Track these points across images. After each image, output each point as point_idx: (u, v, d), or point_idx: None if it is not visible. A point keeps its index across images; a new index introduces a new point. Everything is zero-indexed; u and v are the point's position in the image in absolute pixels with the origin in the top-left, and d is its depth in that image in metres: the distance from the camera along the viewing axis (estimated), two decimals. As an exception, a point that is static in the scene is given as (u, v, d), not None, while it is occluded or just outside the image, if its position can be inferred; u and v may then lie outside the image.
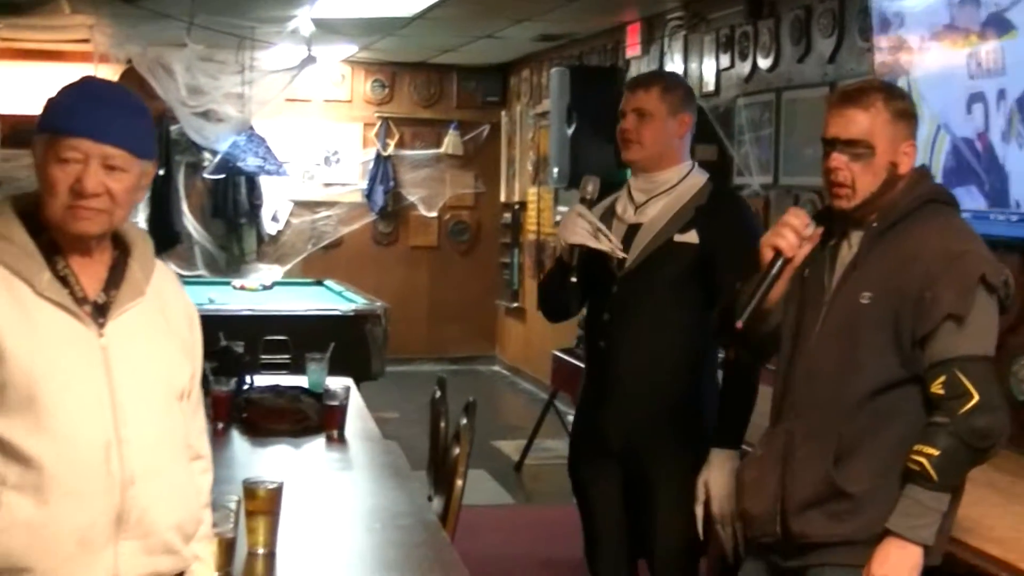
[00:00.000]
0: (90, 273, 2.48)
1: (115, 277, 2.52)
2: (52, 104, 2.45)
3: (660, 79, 4.21)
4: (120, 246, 2.56)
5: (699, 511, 3.87)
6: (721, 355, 4.06)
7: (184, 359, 2.61)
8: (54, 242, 2.45)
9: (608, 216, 4.07)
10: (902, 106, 3.15)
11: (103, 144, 2.40)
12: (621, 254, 3.96)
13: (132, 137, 2.45)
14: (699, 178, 4.04)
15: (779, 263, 3.14)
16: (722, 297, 3.49)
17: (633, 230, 4.00)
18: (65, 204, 2.39)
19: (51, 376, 2.36)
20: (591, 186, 4.01)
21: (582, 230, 3.94)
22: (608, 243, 3.95)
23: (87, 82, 2.60)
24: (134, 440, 2.43)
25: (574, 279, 3.98)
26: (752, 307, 3.14)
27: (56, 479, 2.34)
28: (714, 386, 4.01)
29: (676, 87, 4.09)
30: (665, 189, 4.00)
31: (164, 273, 2.67)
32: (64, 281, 2.44)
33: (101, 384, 2.42)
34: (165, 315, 2.59)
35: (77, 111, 2.41)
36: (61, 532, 2.35)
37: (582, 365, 5.84)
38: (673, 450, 3.95)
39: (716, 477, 3.82)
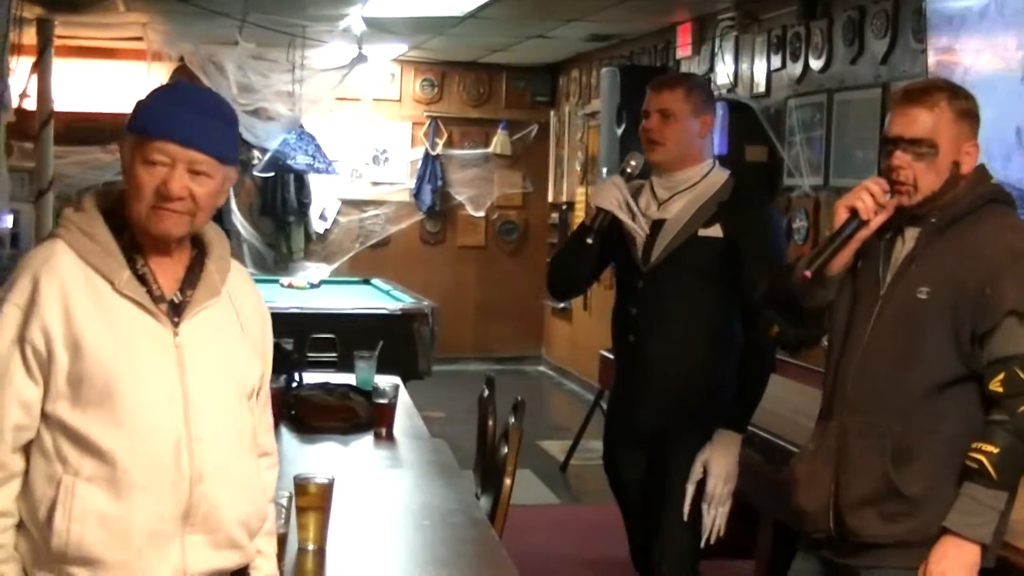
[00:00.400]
0: (168, 272, 2.52)
1: (192, 277, 2.55)
2: (142, 106, 2.47)
3: (684, 79, 4.28)
4: (198, 246, 2.59)
5: (690, 489, 3.97)
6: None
7: (255, 359, 2.64)
8: (135, 241, 2.49)
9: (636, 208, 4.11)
10: (966, 106, 3.13)
11: (190, 149, 2.42)
12: (641, 232, 4.03)
13: (219, 144, 2.48)
14: (720, 175, 4.10)
15: (853, 224, 3.12)
16: (756, 284, 3.53)
17: (657, 226, 4.06)
18: (149, 205, 2.42)
19: (127, 372, 2.40)
20: (634, 162, 4.07)
21: (613, 199, 4.01)
22: (632, 218, 4.02)
23: (179, 86, 2.66)
24: (204, 438, 2.47)
25: (590, 241, 4.02)
26: (823, 259, 3.14)
27: (129, 473, 2.39)
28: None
29: (699, 88, 4.16)
30: (688, 186, 4.07)
31: (239, 274, 2.69)
32: (142, 280, 2.47)
33: (174, 382, 2.46)
34: (239, 315, 2.62)
35: (167, 115, 2.43)
36: (132, 525, 2.39)
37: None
38: (694, 439, 4.01)
39: (718, 457, 3.93)
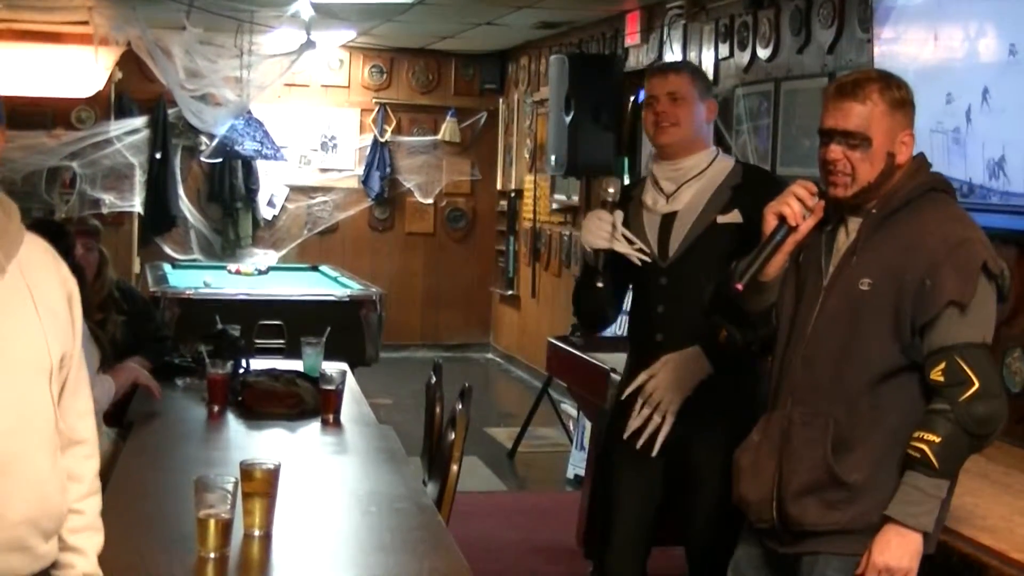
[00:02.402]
0: None
1: None
2: None
3: (686, 64, 4.23)
4: None
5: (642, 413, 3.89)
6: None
7: (55, 337, 2.43)
8: None
9: (637, 209, 4.00)
10: (899, 95, 3.15)
11: None
12: (640, 257, 3.91)
13: None
14: (727, 162, 4.01)
15: (782, 231, 3.15)
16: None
17: (668, 219, 3.93)
18: None
19: None
20: (612, 188, 3.92)
21: (603, 233, 3.89)
22: (627, 245, 3.90)
23: None
24: None
25: (600, 284, 3.92)
26: (754, 270, 3.15)
27: None
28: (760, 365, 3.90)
29: (700, 73, 4.10)
30: (695, 175, 3.95)
31: (35, 247, 2.48)
32: None
33: None
34: (32, 291, 2.41)
35: None
36: None
37: (577, 353, 5.88)
38: (721, 434, 3.78)
39: (673, 367, 3.85)
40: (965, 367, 2.97)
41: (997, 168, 4.80)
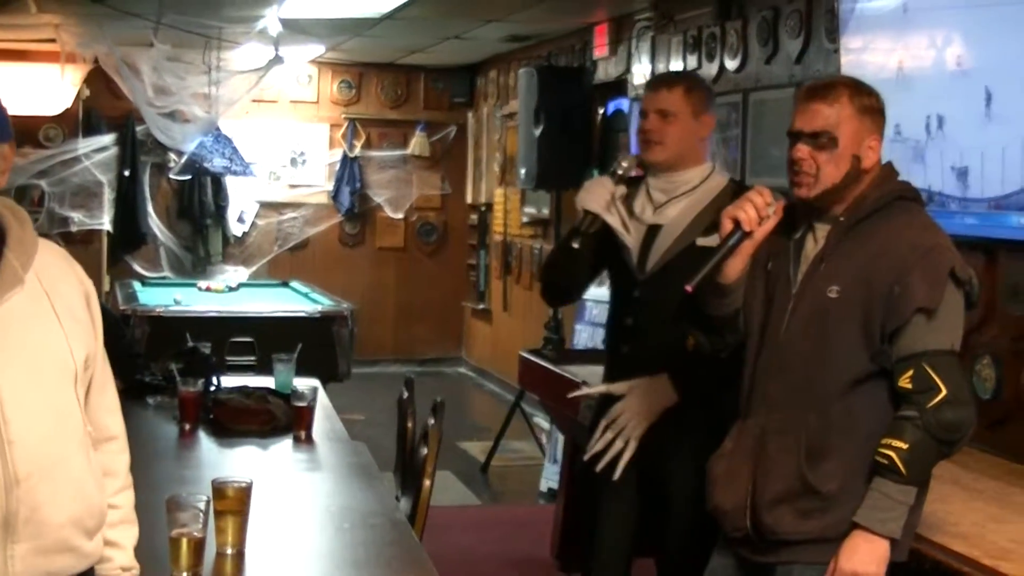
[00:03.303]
0: None
1: None
2: None
3: (684, 78, 4.17)
4: None
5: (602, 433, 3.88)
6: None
7: (78, 340, 2.47)
8: None
9: (627, 212, 3.95)
10: (868, 102, 3.18)
11: None
12: (628, 237, 3.89)
13: None
14: (721, 179, 3.95)
15: (737, 235, 3.16)
16: None
17: (653, 231, 3.90)
18: None
19: None
20: (626, 163, 3.88)
21: (601, 199, 3.85)
22: (618, 221, 3.86)
23: None
24: (19, 440, 2.31)
25: (575, 245, 3.87)
26: (705, 272, 3.16)
27: None
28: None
29: (700, 86, 4.01)
30: (686, 190, 3.90)
31: (50, 253, 2.52)
32: None
33: None
34: (51, 298, 2.44)
35: None
36: None
37: (549, 366, 5.88)
38: (690, 448, 3.79)
39: (641, 394, 3.83)
40: (933, 374, 2.99)
41: (960, 175, 4.83)
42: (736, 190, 3.87)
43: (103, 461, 2.56)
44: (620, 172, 3.88)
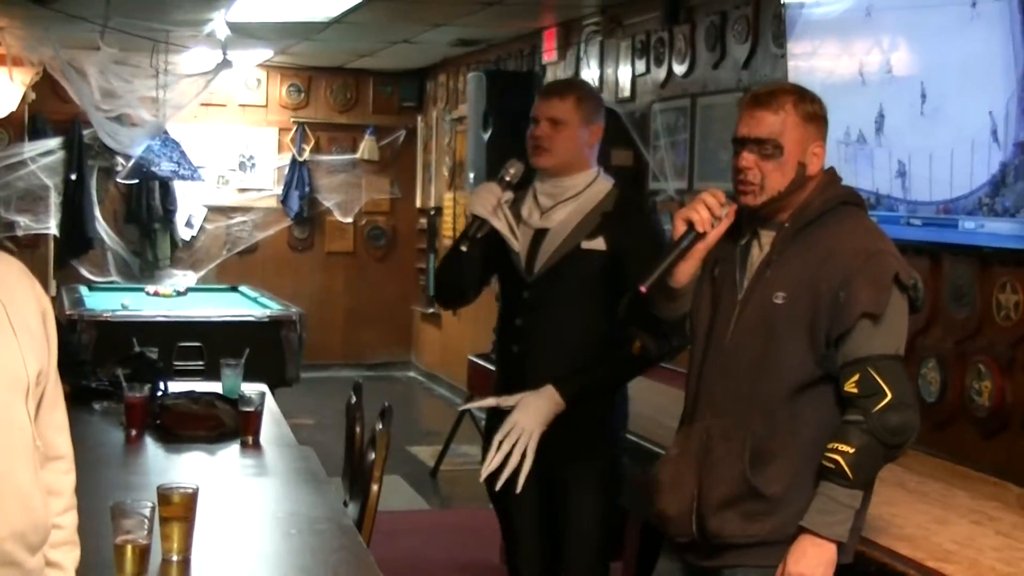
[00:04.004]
0: None
1: None
2: None
3: (575, 88, 4.21)
4: None
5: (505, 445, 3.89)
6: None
7: (31, 353, 2.41)
8: None
9: (514, 217, 4.05)
10: (812, 109, 3.20)
11: None
12: (515, 242, 3.99)
13: None
14: (605, 184, 4.06)
15: (690, 236, 3.17)
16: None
17: (540, 235, 4.01)
18: None
19: None
20: (513, 169, 3.98)
21: (489, 204, 3.94)
22: (504, 225, 3.96)
23: None
24: None
25: (464, 247, 3.97)
26: (658, 272, 3.17)
27: None
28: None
29: (590, 96, 4.12)
30: (572, 195, 4.01)
31: (6, 265, 2.48)
32: None
33: None
34: (8, 309, 2.40)
35: None
36: None
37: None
38: (585, 449, 3.99)
39: (528, 403, 3.87)
40: (878, 378, 3.01)
41: (904, 179, 4.87)
42: (619, 198, 4.02)
43: (49, 480, 2.50)
44: (508, 179, 3.98)
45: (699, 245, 3.19)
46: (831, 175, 3.25)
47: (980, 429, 4.58)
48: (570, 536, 4.05)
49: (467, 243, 3.96)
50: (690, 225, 3.17)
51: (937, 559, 3.28)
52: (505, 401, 3.93)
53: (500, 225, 3.95)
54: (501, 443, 3.89)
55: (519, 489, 3.88)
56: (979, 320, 4.61)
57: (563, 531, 4.06)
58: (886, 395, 3.00)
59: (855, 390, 3.03)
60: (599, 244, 3.93)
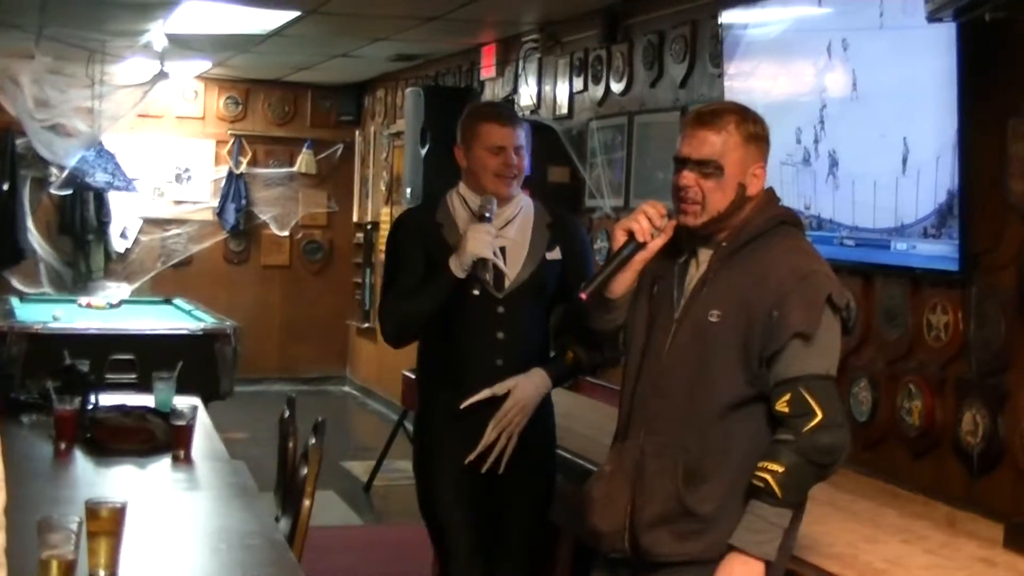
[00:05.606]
0: None
1: None
2: None
3: (517, 117, 4.37)
4: None
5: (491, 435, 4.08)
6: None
7: None
8: None
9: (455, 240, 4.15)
10: (754, 130, 3.21)
11: None
12: (505, 268, 4.14)
13: None
14: (529, 200, 4.30)
15: (631, 247, 3.20)
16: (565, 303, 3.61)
17: (501, 252, 4.13)
18: None
19: None
20: (491, 205, 4.11)
21: (489, 247, 4.03)
22: (501, 259, 4.12)
23: None
24: None
25: (476, 292, 4.12)
26: (599, 280, 3.22)
27: None
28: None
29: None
30: (516, 212, 4.22)
31: None
32: None
33: None
34: None
35: None
36: None
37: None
38: (529, 465, 4.16)
39: (525, 386, 4.08)
40: (809, 398, 3.03)
41: (847, 201, 4.89)
42: (550, 211, 4.30)
43: None
44: (488, 216, 4.11)
45: (638, 256, 3.22)
46: (770, 195, 3.27)
47: (910, 449, 4.61)
48: (505, 552, 4.18)
49: (477, 286, 4.11)
50: (630, 235, 3.19)
51: (866, 578, 3.30)
52: (499, 388, 4.07)
53: (499, 262, 4.10)
54: (494, 427, 4.07)
55: (501, 471, 4.07)
56: (910, 341, 4.64)
57: (498, 547, 4.18)
58: (817, 415, 3.02)
59: (786, 409, 3.05)
60: (557, 254, 4.19)
